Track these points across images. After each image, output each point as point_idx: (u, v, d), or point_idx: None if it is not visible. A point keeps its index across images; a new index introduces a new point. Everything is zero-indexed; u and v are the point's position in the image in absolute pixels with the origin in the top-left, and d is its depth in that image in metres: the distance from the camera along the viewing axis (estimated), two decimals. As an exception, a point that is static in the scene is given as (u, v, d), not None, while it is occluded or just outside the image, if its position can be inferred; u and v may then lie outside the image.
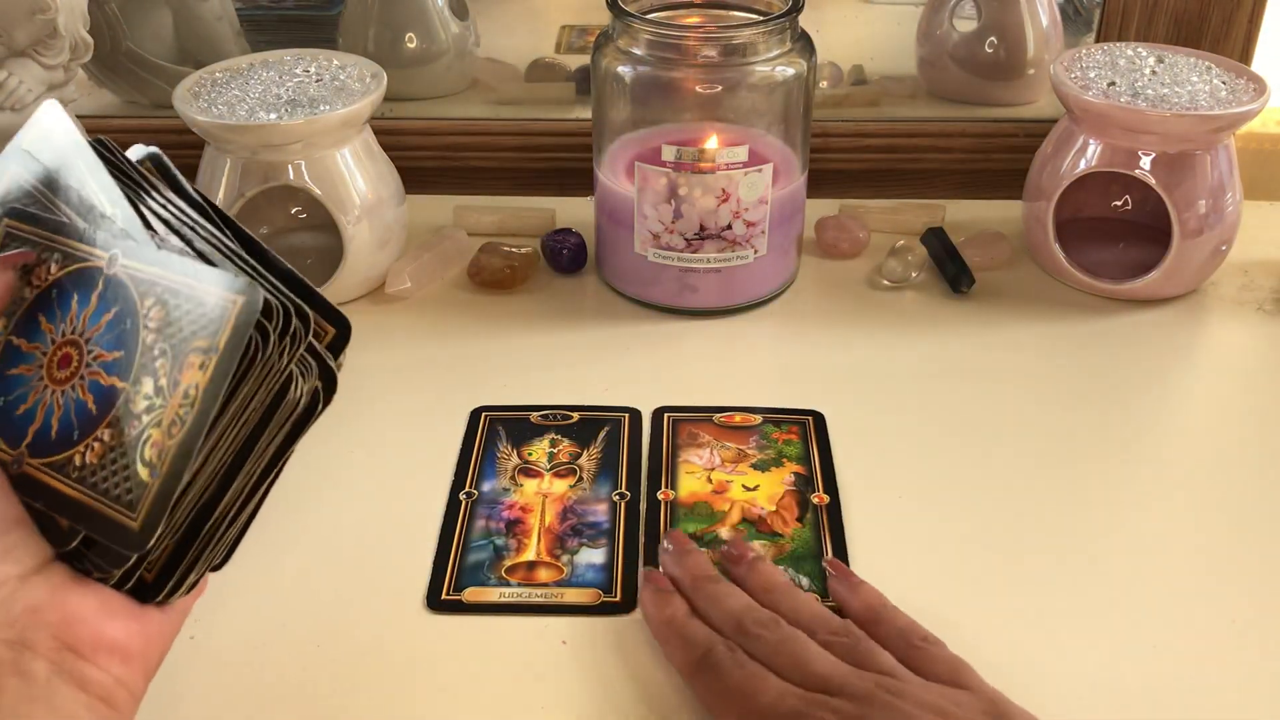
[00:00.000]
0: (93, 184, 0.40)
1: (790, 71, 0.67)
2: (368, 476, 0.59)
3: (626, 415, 0.62)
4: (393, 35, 0.87)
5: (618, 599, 0.51)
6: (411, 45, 0.87)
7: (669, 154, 0.65)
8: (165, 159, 0.41)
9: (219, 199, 0.68)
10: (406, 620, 0.50)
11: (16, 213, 0.41)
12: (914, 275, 0.74)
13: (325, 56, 0.72)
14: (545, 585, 0.51)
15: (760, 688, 0.41)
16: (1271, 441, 0.61)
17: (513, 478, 0.58)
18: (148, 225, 0.39)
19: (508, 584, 0.52)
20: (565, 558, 0.53)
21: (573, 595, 0.51)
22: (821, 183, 0.79)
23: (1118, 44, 0.74)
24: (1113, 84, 0.69)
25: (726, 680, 0.42)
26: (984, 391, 0.64)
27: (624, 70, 0.67)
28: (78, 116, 0.75)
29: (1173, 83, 0.69)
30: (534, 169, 0.84)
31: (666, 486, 0.57)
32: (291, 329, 0.36)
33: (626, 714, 0.46)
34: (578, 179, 0.79)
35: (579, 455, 0.59)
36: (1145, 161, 0.68)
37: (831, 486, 0.57)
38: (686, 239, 0.67)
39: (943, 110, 0.89)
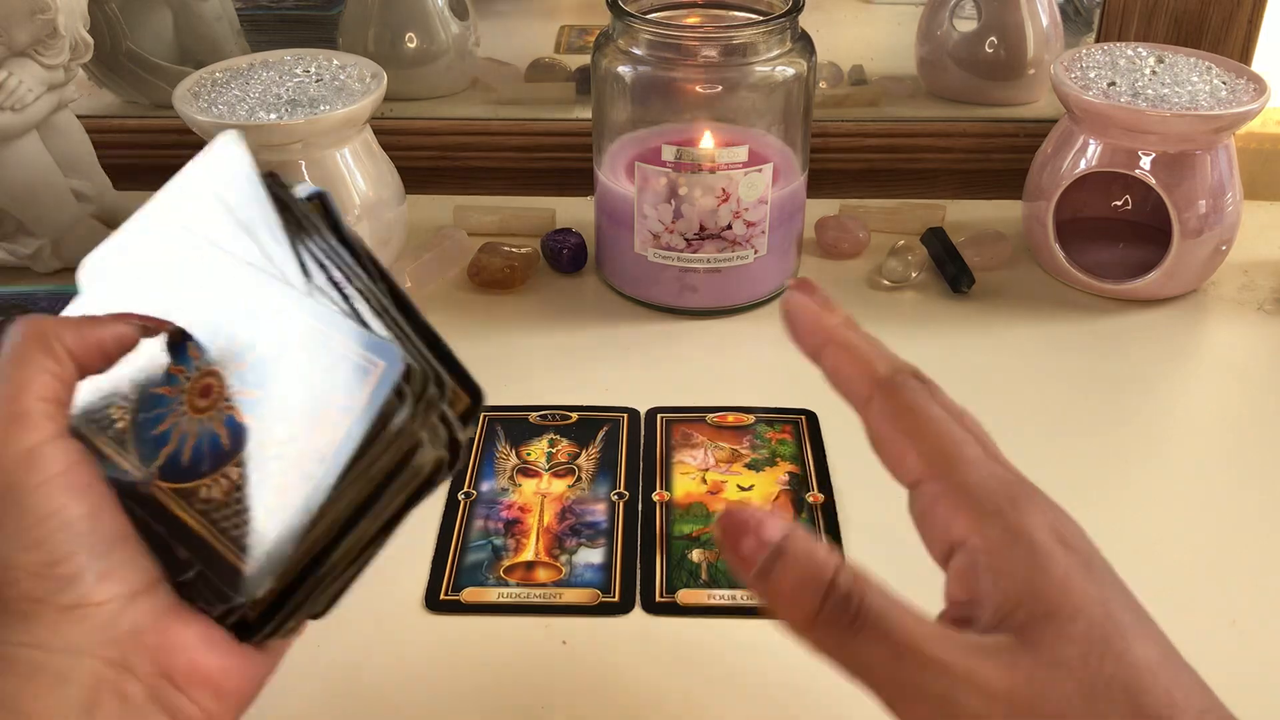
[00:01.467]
0: (259, 221, 0.39)
1: (790, 71, 0.67)
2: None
3: (625, 415, 0.62)
4: (393, 35, 0.87)
5: (616, 599, 0.51)
6: (411, 45, 0.87)
7: (669, 154, 0.65)
8: (330, 200, 0.40)
9: (219, 199, 0.68)
10: (405, 620, 0.50)
11: None
12: (914, 275, 0.74)
13: (325, 56, 0.72)
14: (544, 585, 0.51)
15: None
16: (1272, 441, 0.61)
17: (511, 478, 0.58)
18: (304, 268, 0.38)
19: (506, 584, 0.52)
20: (564, 558, 0.53)
21: (571, 595, 0.51)
22: (821, 183, 0.79)
23: (1118, 44, 0.74)
24: (1113, 84, 0.69)
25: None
26: (983, 391, 0.64)
27: (624, 70, 0.67)
28: (78, 117, 0.75)
29: (1173, 83, 0.69)
30: (534, 169, 0.84)
31: (661, 487, 0.57)
32: (427, 395, 0.35)
33: (626, 714, 0.46)
34: (578, 179, 0.79)
35: (578, 455, 0.59)
36: (1145, 161, 0.68)
37: (826, 486, 0.57)
38: (686, 239, 0.67)
39: (943, 110, 0.89)
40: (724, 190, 0.66)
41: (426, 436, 0.35)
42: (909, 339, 0.70)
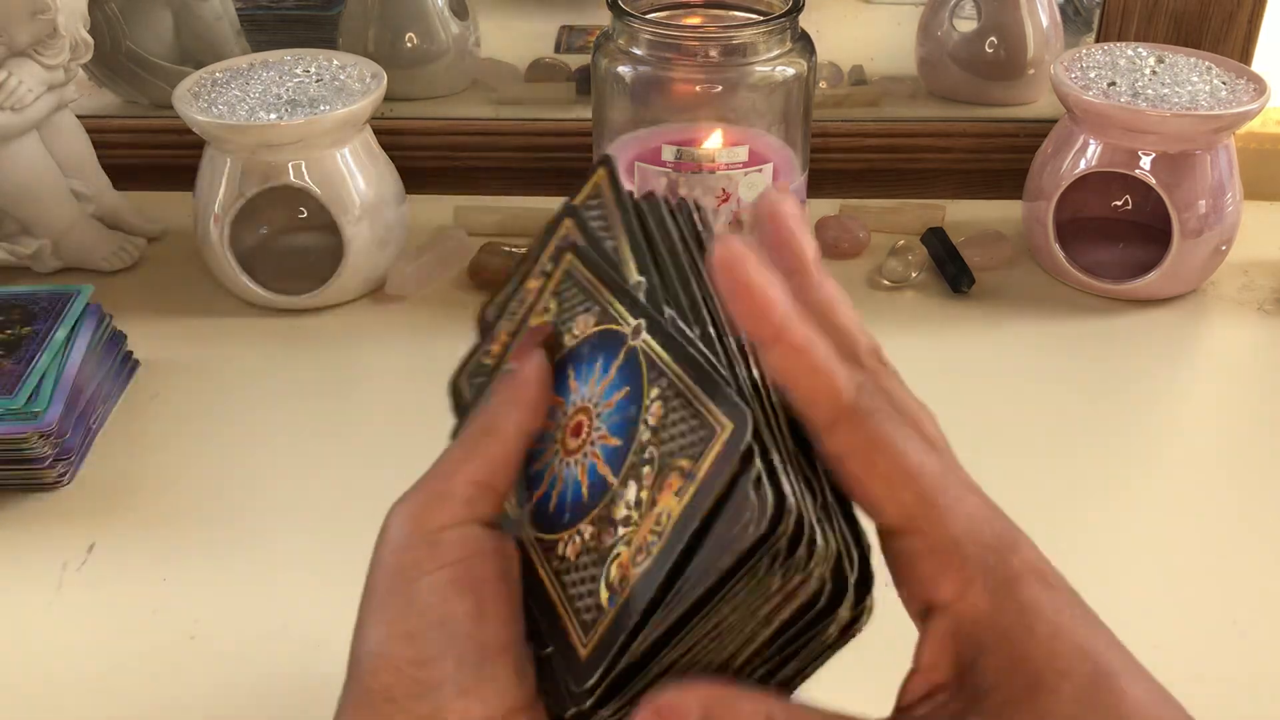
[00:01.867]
0: (626, 242, 0.36)
1: (790, 71, 0.67)
2: (367, 477, 0.59)
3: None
4: (393, 35, 0.87)
5: (617, 599, 0.50)
6: (411, 45, 0.87)
7: (669, 154, 0.65)
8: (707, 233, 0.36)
9: (219, 199, 0.68)
10: (405, 620, 0.50)
11: (581, 251, 0.37)
12: (914, 275, 0.74)
13: (325, 56, 0.72)
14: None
15: None
16: (1272, 441, 0.61)
17: (512, 478, 0.57)
18: (673, 303, 0.34)
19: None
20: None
21: (572, 595, 0.51)
22: (822, 182, 0.79)
23: (1118, 44, 0.74)
24: (1113, 84, 0.69)
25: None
26: (984, 391, 0.64)
27: (624, 70, 0.67)
28: (78, 117, 0.75)
29: (1173, 83, 0.69)
30: (534, 169, 0.84)
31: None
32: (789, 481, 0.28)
33: (625, 714, 0.46)
34: (578, 179, 0.79)
35: (578, 455, 0.59)
36: (1145, 161, 0.68)
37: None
38: (686, 239, 0.67)
39: (943, 110, 0.88)
40: (724, 190, 0.66)
41: (821, 575, 0.28)
42: (909, 339, 0.70)
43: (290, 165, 0.67)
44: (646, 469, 0.31)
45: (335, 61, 0.72)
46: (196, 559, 0.54)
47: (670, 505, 0.30)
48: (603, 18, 0.68)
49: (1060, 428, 0.62)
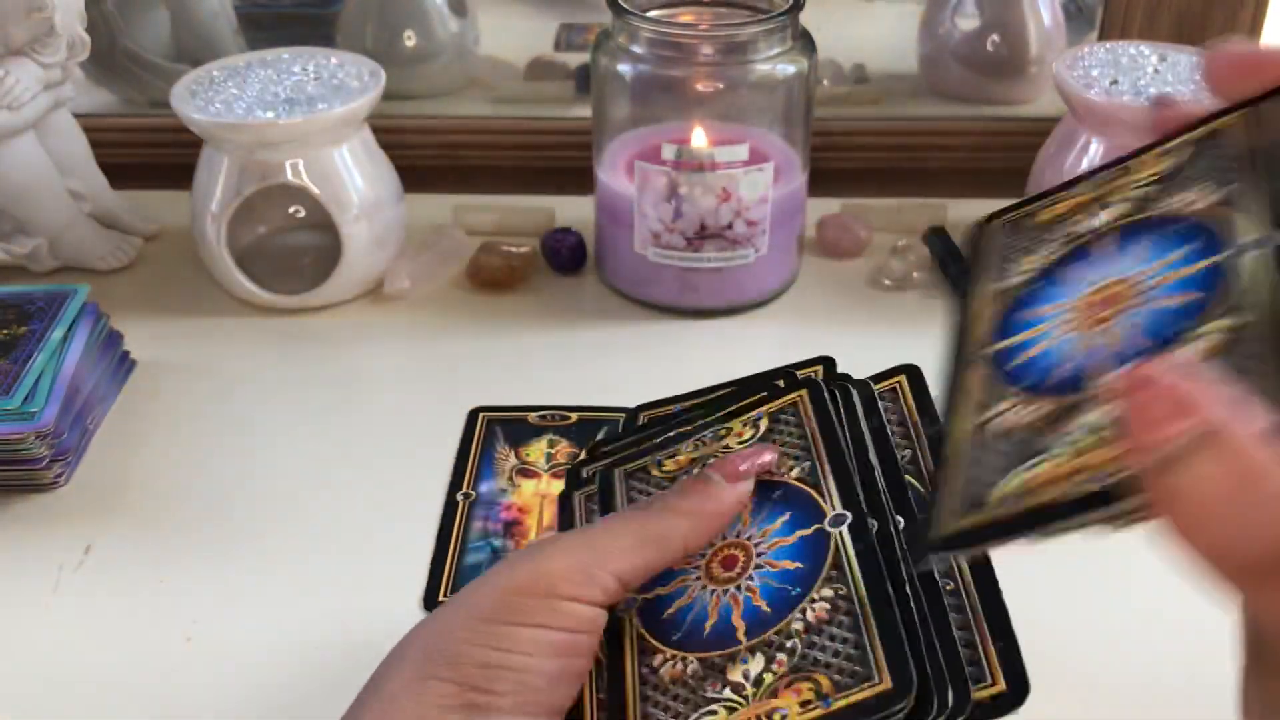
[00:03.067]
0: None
1: (791, 69, 0.66)
2: (364, 477, 0.58)
3: (625, 415, 0.61)
4: (391, 33, 0.87)
5: (616, 601, 0.50)
6: (410, 43, 0.87)
7: (669, 153, 0.65)
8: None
9: (216, 197, 0.68)
10: (404, 622, 0.50)
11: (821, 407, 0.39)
12: (916, 275, 0.73)
13: (323, 54, 0.72)
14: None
15: None
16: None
17: (510, 479, 0.57)
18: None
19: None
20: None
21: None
22: (823, 182, 0.78)
23: (1120, 42, 0.74)
24: (1115, 82, 0.69)
25: None
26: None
27: (624, 68, 0.67)
28: (74, 116, 0.75)
29: (1175, 81, 0.69)
30: (533, 168, 0.84)
31: (666, 488, 0.56)
32: None
33: (625, 717, 0.46)
34: (577, 178, 0.78)
35: (577, 456, 0.59)
36: (1148, 160, 0.68)
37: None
38: (687, 238, 0.67)
39: (945, 108, 0.88)
40: (724, 189, 0.65)
41: None
42: (910, 339, 0.69)
43: (288, 164, 0.67)
44: (781, 655, 0.32)
45: (333, 60, 0.72)
46: (194, 560, 0.54)
47: (791, 708, 0.31)
48: (602, 15, 0.67)
49: (1063, 428, 0.61)
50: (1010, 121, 0.83)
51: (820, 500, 0.35)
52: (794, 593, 0.33)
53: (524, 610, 0.32)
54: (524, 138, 0.83)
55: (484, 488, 0.57)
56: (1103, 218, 0.32)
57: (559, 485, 0.57)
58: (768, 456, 0.37)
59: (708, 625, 0.34)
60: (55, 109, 0.72)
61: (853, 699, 0.30)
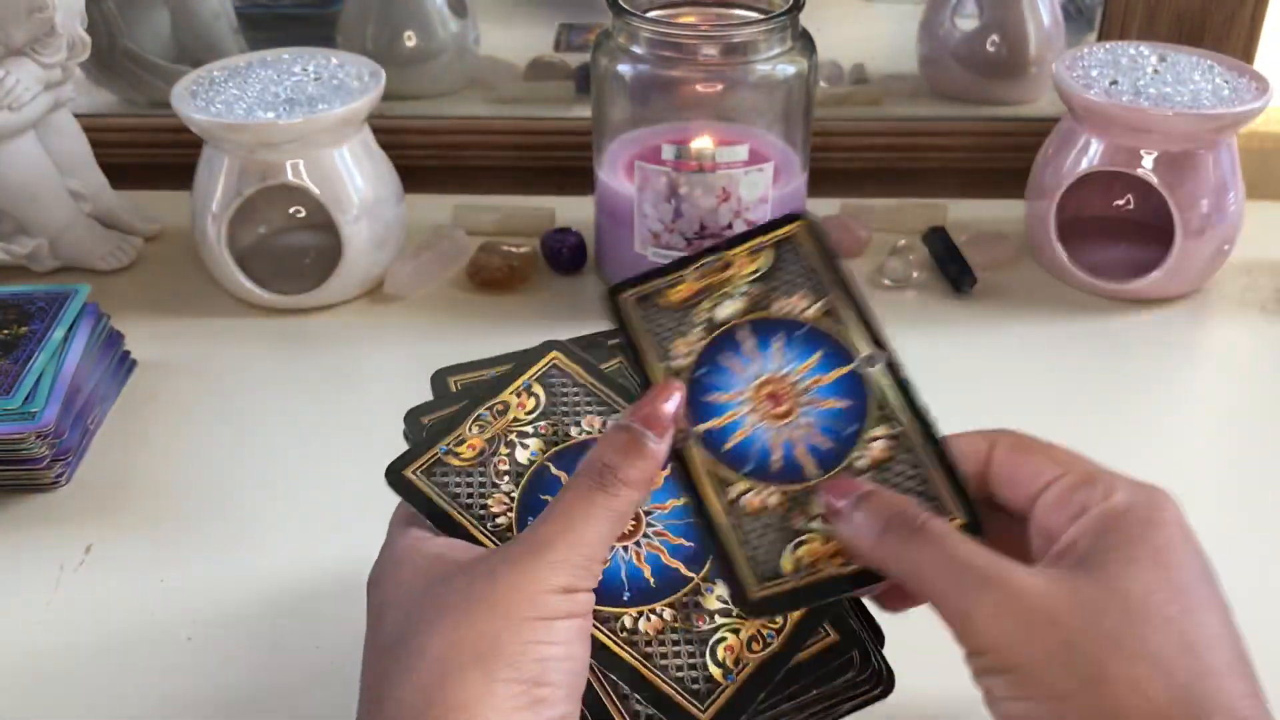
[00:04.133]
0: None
1: (791, 70, 0.66)
2: (365, 477, 0.58)
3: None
4: (391, 33, 0.87)
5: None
6: (410, 43, 0.87)
7: (669, 153, 0.65)
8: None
9: (216, 197, 0.68)
10: (404, 622, 0.50)
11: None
12: (916, 275, 0.73)
13: (324, 55, 0.72)
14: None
15: None
16: (1274, 441, 0.61)
17: (511, 478, 0.57)
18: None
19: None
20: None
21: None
22: (822, 182, 0.78)
23: (1120, 43, 0.74)
24: (1115, 83, 0.69)
25: None
26: (985, 391, 0.64)
27: (624, 69, 0.67)
28: (75, 116, 0.75)
29: (1175, 82, 0.69)
30: (533, 168, 0.84)
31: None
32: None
33: (625, 717, 0.46)
34: (577, 178, 0.78)
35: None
36: (1147, 161, 0.68)
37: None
38: (687, 238, 0.67)
39: (944, 109, 0.88)
40: (724, 189, 0.65)
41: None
42: (911, 339, 0.69)
43: (288, 164, 0.67)
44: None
45: (334, 60, 0.72)
46: (194, 560, 0.54)
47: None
48: (602, 16, 0.67)
49: (1062, 427, 0.61)
50: (1010, 122, 0.83)
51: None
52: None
53: (550, 605, 0.34)
54: (524, 138, 0.83)
55: (484, 487, 0.57)
56: (729, 309, 0.40)
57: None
58: (676, 396, 0.38)
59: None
60: (56, 109, 0.72)
61: None
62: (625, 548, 0.39)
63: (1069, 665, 0.30)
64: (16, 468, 0.57)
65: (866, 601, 0.40)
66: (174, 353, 0.68)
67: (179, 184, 0.73)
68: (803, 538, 0.36)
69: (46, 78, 0.69)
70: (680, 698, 0.36)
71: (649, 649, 0.37)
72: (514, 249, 0.74)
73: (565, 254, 0.74)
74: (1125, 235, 0.76)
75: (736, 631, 0.37)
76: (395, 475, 0.42)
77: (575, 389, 0.43)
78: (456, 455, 0.42)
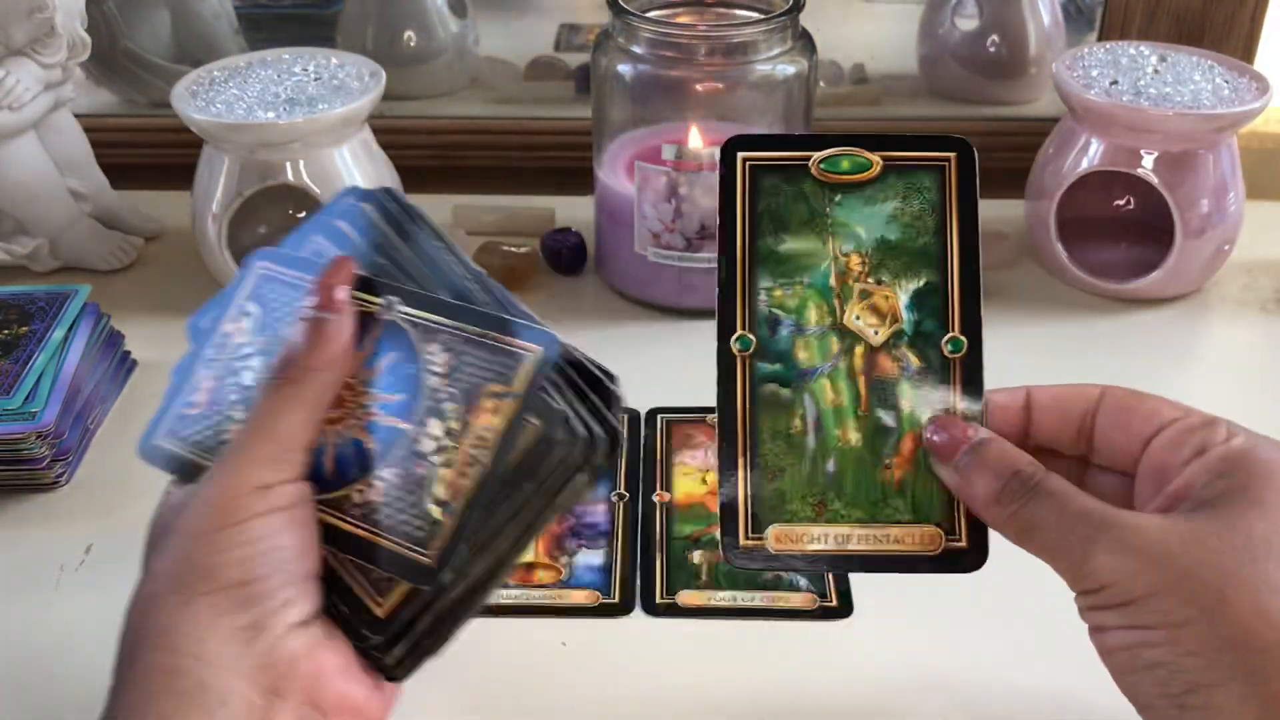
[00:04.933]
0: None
1: (791, 70, 0.66)
2: (366, 477, 0.58)
3: (625, 416, 0.61)
4: (391, 33, 0.87)
5: (616, 600, 0.50)
6: (410, 43, 0.87)
7: (669, 153, 0.65)
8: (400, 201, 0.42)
9: (217, 198, 0.68)
10: (404, 622, 0.50)
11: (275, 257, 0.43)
12: (915, 275, 0.73)
13: (324, 55, 0.72)
14: (544, 587, 0.51)
15: None
16: (1275, 442, 0.61)
17: (511, 478, 0.57)
18: (431, 269, 0.40)
19: (506, 585, 0.51)
20: (564, 559, 0.53)
21: (572, 597, 0.51)
22: (822, 182, 0.78)
23: (1120, 43, 0.74)
24: (1115, 83, 0.69)
25: None
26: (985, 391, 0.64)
27: (624, 69, 0.67)
28: (75, 116, 0.75)
29: (1175, 82, 0.69)
30: (533, 168, 0.84)
31: (661, 488, 0.57)
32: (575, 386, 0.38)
33: (626, 717, 0.46)
34: (577, 178, 0.78)
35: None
36: (1148, 161, 0.68)
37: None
38: (686, 238, 0.67)
39: (944, 109, 0.88)
40: (724, 189, 0.65)
41: (572, 421, 0.37)
42: (910, 339, 0.70)
43: (288, 164, 0.67)
44: (450, 405, 0.37)
45: (334, 60, 0.72)
46: (194, 560, 0.54)
47: (492, 422, 0.36)
48: (602, 16, 0.67)
49: (1062, 428, 0.61)
50: (1010, 122, 0.83)
51: (368, 308, 0.39)
52: (409, 370, 0.38)
53: (242, 508, 0.36)
54: (524, 138, 0.83)
55: (484, 487, 0.57)
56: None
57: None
58: (346, 269, 0.39)
59: (369, 444, 0.38)
60: (56, 109, 0.72)
61: (523, 379, 0.36)
62: (346, 428, 0.38)
63: (1187, 595, 0.31)
64: (17, 468, 0.57)
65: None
66: (174, 353, 0.67)
67: (179, 184, 0.73)
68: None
69: (47, 78, 0.69)
70: (405, 550, 0.36)
71: (378, 515, 0.37)
72: (514, 249, 0.74)
73: (565, 254, 0.74)
74: (1125, 235, 0.76)
75: (450, 464, 0.37)
76: (146, 448, 0.42)
77: (287, 289, 0.42)
78: (191, 405, 0.42)
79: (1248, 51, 0.79)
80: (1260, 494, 0.32)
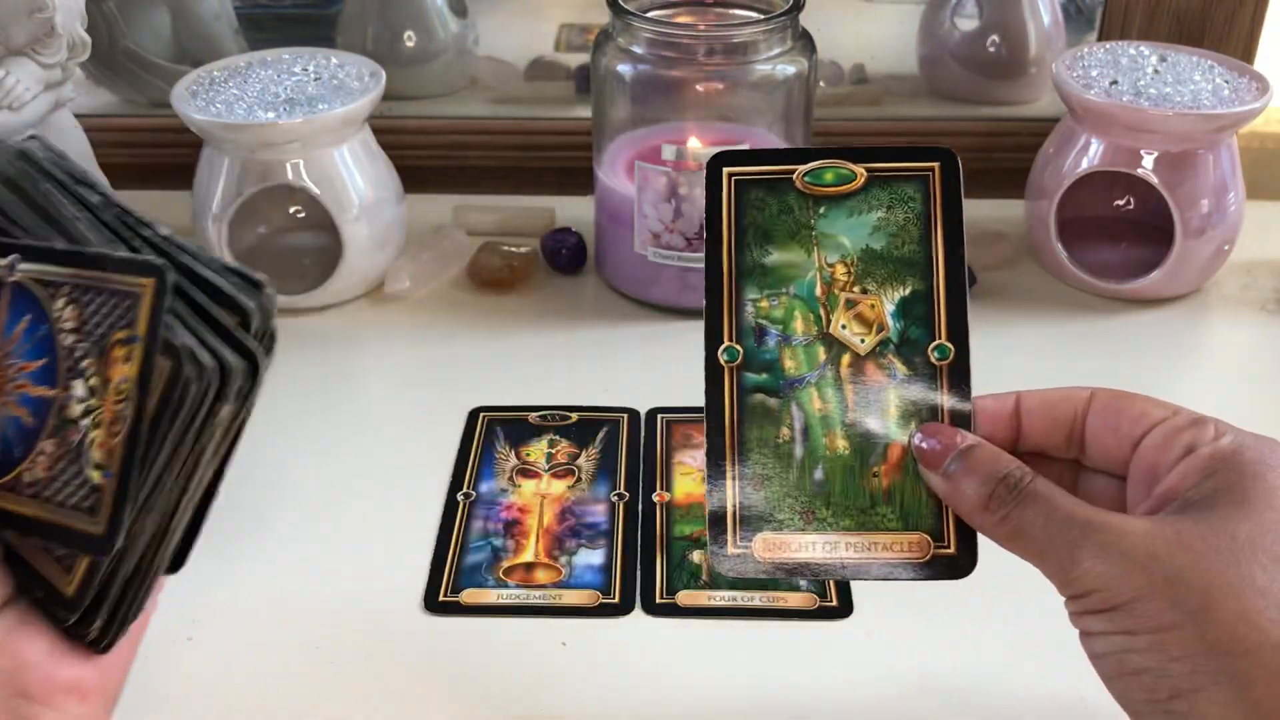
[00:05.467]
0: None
1: (791, 70, 0.66)
2: (365, 477, 0.59)
3: (625, 416, 0.61)
4: (391, 33, 0.87)
5: (616, 600, 0.50)
6: (410, 44, 0.87)
7: (669, 153, 0.65)
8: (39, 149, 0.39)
9: (217, 198, 0.68)
10: (404, 622, 0.50)
11: None
12: (915, 275, 0.73)
13: (324, 55, 0.72)
14: (544, 587, 0.51)
15: None
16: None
17: (511, 478, 0.57)
18: (49, 220, 0.37)
19: (506, 585, 0.51)
20: (564, 559, 0.53)
21: (571, 597, 0.51)
22: (822, 182, 0.78)
23: (1120, 43, 0.74)
24: (1115, 83, 0.69)
25: None
26: (985, 391, 0.64)
27: (624, 69, 0.67)
28: (75, 116, 0.75)
29: (1175, 82, 0.69)
30: (533, 168, 0.84)
31: (661, 488, 0.57)
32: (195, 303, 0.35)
33: (626, 717, 0.46)
34: (577, 178, 0.78)
35: (577, 456, 0.59)
36: (1148, 161, 0.68)
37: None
38: (687, 238, 0.67)
39: (944, 109, 0.88)
40: (724, 189, 0.65)
41: (202, 348, 0.35)
42: (910, 339, 0.70)
43: (288, 164, 0.67)
44: (87, 361, 0.34)
45: (334, 60, 0.72)
46: (194, 560, 0.54)
47: (126, 372, 0.34)
48: (602, 16, 0.67)
49: (1062, 428, 0.61)
50: (1010, 122, 0.83)
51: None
52: (43, 331, 0.35)
53: None
54: (524, 138, 0.83)
55: (484, 487, 0.57)
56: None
57: (560, 485, 0.57)
58: None
59: (25, 420, 0.36)
60: (56, 109, 0.72)
61: (144, 316, 0.34)
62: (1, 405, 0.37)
63: (1173, 599, 0.31)
64: (16, 468, 0.56)
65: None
66: (174, 353, 0.68)
67: (179, 184, 0.73)
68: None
69: (47, 78, 0.69)
70: (76, 523, 0.35)
71: (48, 492, 0.35)
72: (514, 249, 0.74)
73: (565, 254, 0.74)
74: (1125, 235, 0.76)
75: (100, 425, 0.34)
76: None
77: None
78: None
79: (1248, 51, 0.78)
80: (1246, 493, 0.32)
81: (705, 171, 0.40)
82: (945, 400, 0.38)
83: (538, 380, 0.65)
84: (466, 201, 0.80)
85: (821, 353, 0.39)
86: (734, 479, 0.38)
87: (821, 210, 0.39)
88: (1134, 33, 0.79)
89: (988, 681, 0.47)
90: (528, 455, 0.59)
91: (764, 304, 0.39)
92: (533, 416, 0.62)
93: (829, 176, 0.39)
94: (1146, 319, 0.70)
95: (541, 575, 0.52)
